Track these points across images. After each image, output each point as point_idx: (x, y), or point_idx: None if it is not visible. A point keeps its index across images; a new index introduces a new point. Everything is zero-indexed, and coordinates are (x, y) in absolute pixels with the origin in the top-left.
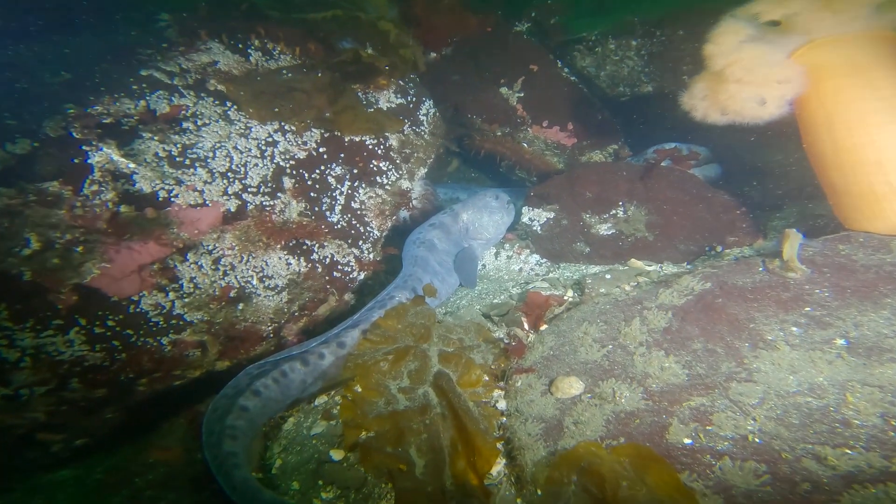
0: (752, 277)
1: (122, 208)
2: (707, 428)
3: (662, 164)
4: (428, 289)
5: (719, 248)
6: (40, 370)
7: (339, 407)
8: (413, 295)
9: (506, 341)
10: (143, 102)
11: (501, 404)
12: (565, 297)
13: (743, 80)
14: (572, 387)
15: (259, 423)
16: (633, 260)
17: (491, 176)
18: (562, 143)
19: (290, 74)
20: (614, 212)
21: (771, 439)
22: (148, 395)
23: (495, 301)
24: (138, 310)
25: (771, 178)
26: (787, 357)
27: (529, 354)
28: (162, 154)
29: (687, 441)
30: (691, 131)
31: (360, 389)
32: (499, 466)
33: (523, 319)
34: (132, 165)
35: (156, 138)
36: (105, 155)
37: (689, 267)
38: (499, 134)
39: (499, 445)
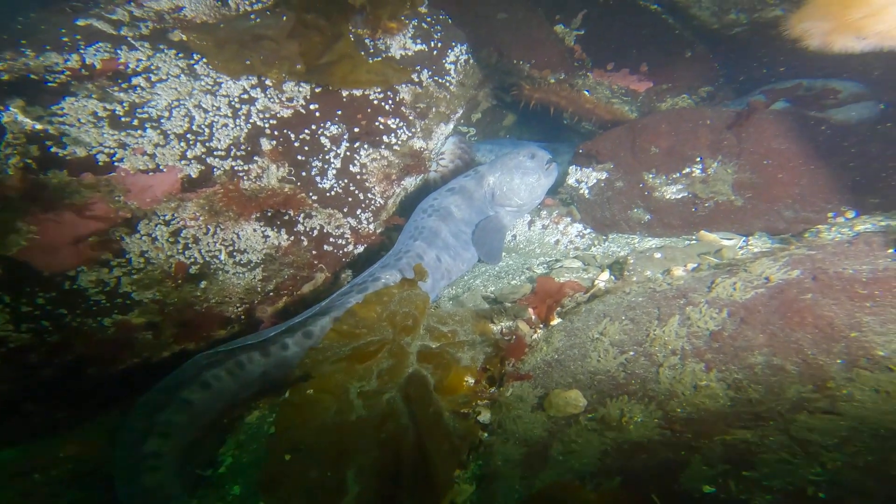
0: (871, 263)
1: (50, 174)
2: (744, 473)
3: (773, 106)
4: (418, 269)
5: (852, 214)
6: None
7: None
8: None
9: (506, 338)
10: (76, 56)
11: (485, 416)
12: (597, 281)
13: None
14: (569, 403)
15: (208, 418)
16: (702, 232)
17: (551, 130)
18: (632, 89)
19: (258, 19)
20: (689, 170)
21: (846, 495)
22: (95, 380)
23: (513, 282)
24: (75, 287)
25: None
26: None
27: (530, 356)
28: (102, 114)
29: (708, 489)
30: (839, 67)
31: (311, 392)
32: (468, 494)
33: (530, 311)
34: (39, 126)
35: (94, 96)
36: (11, 115)
37: (795, 241)
38: (552, 81)
39: (462, 474)
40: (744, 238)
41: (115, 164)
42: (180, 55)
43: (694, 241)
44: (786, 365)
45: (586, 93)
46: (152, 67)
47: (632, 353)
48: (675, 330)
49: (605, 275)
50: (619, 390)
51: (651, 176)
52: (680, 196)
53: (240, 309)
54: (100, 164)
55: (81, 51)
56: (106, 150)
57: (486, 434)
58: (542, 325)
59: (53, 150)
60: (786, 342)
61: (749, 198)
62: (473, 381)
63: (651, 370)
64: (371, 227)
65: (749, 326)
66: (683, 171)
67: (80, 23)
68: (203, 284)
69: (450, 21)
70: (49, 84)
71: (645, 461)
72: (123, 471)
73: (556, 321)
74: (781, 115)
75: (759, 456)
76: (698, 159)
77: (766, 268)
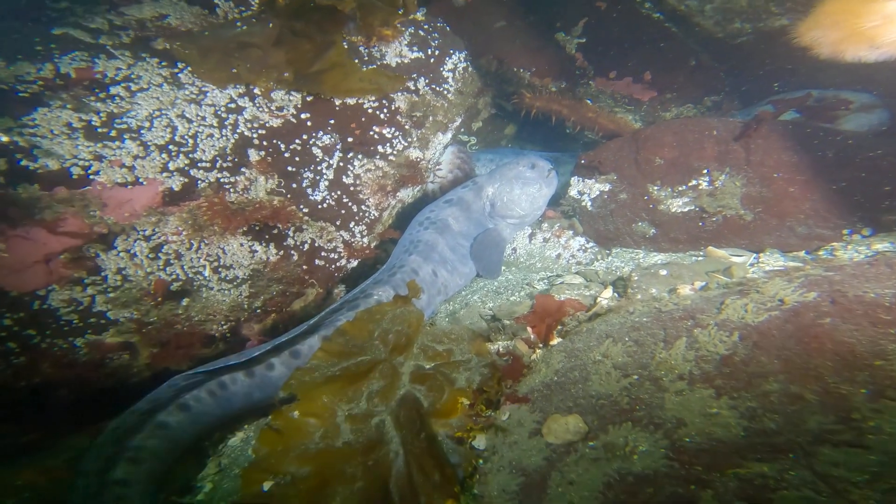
0: (894, 287)
1: (20, 188)
2: None
3: (783, 117)
4: (412, 286)
5: (867, 232)
6: None
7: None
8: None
9: (504, 358)
10: (49, 66)
11: (480, 442)
12: (599, 299)
13: None
14: (569, 429)
15: (186, 442)
16: (710, 248)
17: (553, 140)
18: (635, 98)
19: (244, 27)
20: (695, 182)
21: None
22: (66, 403)
23: (512, 298)
24: (45, 307)
25: None
26: None
27: (529, 378)
28: (77, 125)
29: None
30: (849, 77)
31: (296, 415)
32: None
33: (529, 330)
34: (5, 138)
35: (69, 106)
36: None
37: (810, 258)
38: (553, 90)
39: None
40: (754, 255)
41: (91, 177)
42: (163, 64)
43: (701, 258)
44: (804, 393)
45: (588, 101)
46: (133, 76)
47: (636, 376)
48: (682, 353)
49: (608, 292)
50: (622, 416)
51: (656, 188)
52: (686, 209)
53: (225, 327)
54: (74, 177)
55: (56, 60)
56: (80, 163)
57: (480, 461)
58: (541, 345)
59: (24, 163)
60: (803, 369)
61: (759, 213)
62: (469, 403)
63: (657, 396)
64: (365, 240)
65: (763, 351)
66: (690, 184)
67: (56, 31)
68: (185, 302)
69: (448, 29)
70: (20, 94)
71: (650, 496)
72: (84, 500)
73: (555, 341)
74: (791, 126)
75: (779, 492)
76: (705, 171)
77: (780, 289)
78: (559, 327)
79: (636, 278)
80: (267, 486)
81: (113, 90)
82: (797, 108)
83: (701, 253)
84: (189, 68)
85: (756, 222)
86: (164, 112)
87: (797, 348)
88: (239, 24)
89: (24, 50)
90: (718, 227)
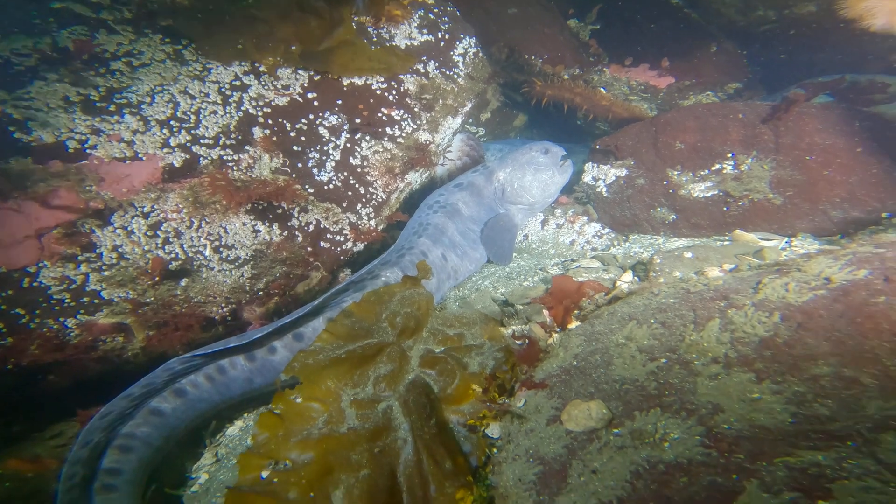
0: None
1: (13, 161)
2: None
3: (816, 100)
4: (422, 267)
5: None
6: None
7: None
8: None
9: (518, 343)
10: (47, 39)
11: (494, 430)
12: (619, 282)
13: None
14: (591, 416)
15: (181, 430)
16: (738, 232)
17: (564, 132)
18: (651, 85)
19: (251, 0)
20: (719, 166)
21: None
22: (55, 389)
23: (525, 284)
24: (35, 284)
25: None
26: None
27: (546, 363)
28: (74, 98)
29: None
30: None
31: (299, 399)
32: None
33: (545, 313)
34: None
35: (66, 80)
36: None
37: (847, 242)
38: (566, 77)
39: (467, 495)
40: (786, 239)
41: (88, 151)
42: (166, 40)
43: (727, 242)
44: (860, 377)
45: (602, 90)
46: (134, 52)
47: (664, 360)
48: (715, 335)
49: (628, 276)
50: (650, 402)
51: (676, 173)
52: (709, 194)
53: (225, 309)
54: (70, 150)
55: (54, 33)
56: (77, 137)
57: (494, 450)
58: (558, 329)
59: (17, 135)
60: (857, 351)
61: (790, 196)
62: (482, 389)
63: (687, 380)
64: (372, 223)
65: (809, 333)
66: (713, 168)
67: (56, 5)
68: (184, 282)
69: (458, 13)
70: (16, 67)
71: (685, 485)
72: (70, 491)
73: (573, 324)
74: (826, 108)
75: (838, 482)
76: (730, 155)
77: (825, 267)
78: (577, 311)
79: (659, 261)
80: (266, 473)
81: (113, 65)
82: (830, 91)
83: (727, 238)
84: (193, 45)
85: (787, 206)
86: (166, 87)
87: (849, 329)
88: None
89: (21, 23)
90: (745, 211)
